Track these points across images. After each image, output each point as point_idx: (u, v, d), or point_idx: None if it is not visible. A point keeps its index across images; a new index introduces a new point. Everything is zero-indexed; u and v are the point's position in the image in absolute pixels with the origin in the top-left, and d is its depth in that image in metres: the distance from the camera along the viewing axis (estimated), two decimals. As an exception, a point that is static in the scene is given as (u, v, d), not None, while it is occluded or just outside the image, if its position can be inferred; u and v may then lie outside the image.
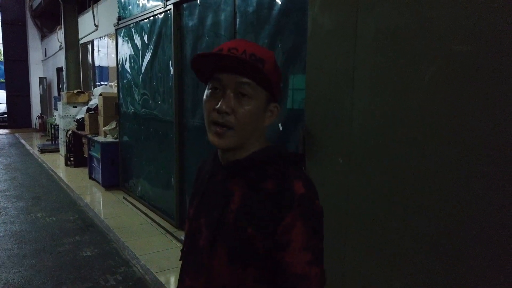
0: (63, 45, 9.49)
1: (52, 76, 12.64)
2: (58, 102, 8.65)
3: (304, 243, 0.79)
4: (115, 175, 5.67)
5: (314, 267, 0.79)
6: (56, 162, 7.86)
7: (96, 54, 8.96)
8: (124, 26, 5.10)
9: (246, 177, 0.86)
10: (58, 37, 10.59)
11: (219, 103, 0.82)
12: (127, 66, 5.17)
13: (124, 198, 5.27)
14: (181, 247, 0.98)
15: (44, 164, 7.71)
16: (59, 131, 8.44)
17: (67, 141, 7.48)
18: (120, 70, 5.44)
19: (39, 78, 13.48)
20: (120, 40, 5.37)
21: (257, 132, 0.88)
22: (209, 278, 0.85)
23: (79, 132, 6.94)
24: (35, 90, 14.00)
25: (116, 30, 5.40)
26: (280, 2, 2.53)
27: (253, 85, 0.82)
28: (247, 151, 0.88)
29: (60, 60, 10.42)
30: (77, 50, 9.46)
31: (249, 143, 0.88)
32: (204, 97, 0.86)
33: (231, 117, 0.82)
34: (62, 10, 9.28)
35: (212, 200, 0.91)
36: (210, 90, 0.85)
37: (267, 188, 0.83)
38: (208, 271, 0.85)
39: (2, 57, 13.96)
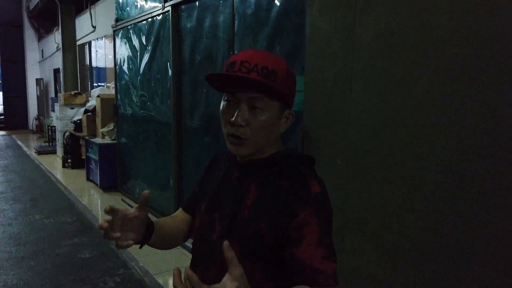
0: (60, 46, 9.47)
1: (49, 77, 12.60)
2: (55, 103, 8.62)
3: (318, 239, 0.81)
4: (113, 176, 5.66)
5: (331, 262, 0.80)
6: (54, 164, 7.84)
7: (93, 55, 8.94)
8: (122, 27, 5.10)
9: (262, 175, 0.91)
10: (55, 38, 10.56)
11: (234, 116, 0.86)
12: (125, 67, 5.17)
13: (122, 200, 5.26)
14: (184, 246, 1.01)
15: (41, 166, 7.68)
16: (56, 133, 8.40)
17: (65, 142, 7.46)
18: (118, 71, 5.43)
19: (36, 79, 13.43)
20: (118, 41, 5.36)
21: (272, 138, 0.92)
22: (221, 271, 0.85)
23: (77, 133, 6.92)
24: (32, 92, 13.94)
25: (114, 31, 5.39)
26: (278, 4, 2.54)
27: (265, 98, 0.86)
28: (264, 154, 0.93)
29: (57, 61, 10.40)
30: (74, 51, 9.44)
31: (265, 147, 0.93)
32: (221, 108, 0.91)
33: (246, 129, 0.87)
34: (59, 11, 9.26)
35: (226, 196, 0.95)
36: (225, 102, 0.90)
37: (282, 186, 0.88)
38: (220, 263, 0.86)
39: (-1, 58, 13.90)
